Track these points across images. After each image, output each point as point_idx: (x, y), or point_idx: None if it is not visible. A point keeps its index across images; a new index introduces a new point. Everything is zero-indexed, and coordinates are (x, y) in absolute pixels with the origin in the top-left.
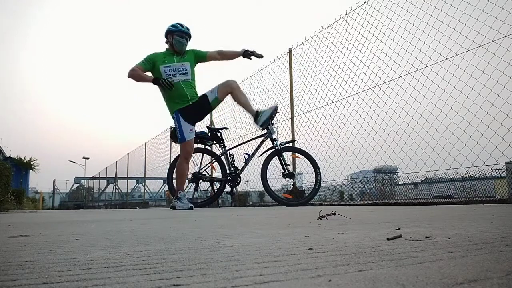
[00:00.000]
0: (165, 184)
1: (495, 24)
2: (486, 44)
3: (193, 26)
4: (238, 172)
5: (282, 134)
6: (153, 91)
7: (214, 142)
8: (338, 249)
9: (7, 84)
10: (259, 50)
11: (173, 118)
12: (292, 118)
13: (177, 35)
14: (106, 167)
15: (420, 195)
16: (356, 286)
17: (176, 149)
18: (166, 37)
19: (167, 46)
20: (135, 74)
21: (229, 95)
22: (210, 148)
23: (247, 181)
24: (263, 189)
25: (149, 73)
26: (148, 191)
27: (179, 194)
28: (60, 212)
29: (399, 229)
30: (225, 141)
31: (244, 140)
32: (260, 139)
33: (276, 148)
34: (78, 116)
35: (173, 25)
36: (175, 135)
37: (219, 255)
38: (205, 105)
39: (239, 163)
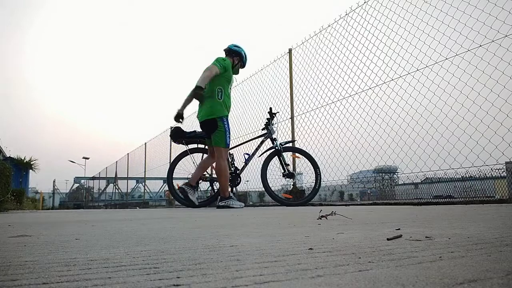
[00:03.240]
0: (165, 184)
1: (495, 24)
2: (486, 44)
3: (192, 26)
4: (238, 172)
5: (282, 134)
6: (153, 91)
7: None
8: (338, 249)
9: (7, 84)
10: (259, 50)
11: (221, 121)
12: (292, 118)
13: (244, 62)
14: (106, 167)
15: (420, 195)
16: (356, 286)
17: (176, 149)
18: (233, 54)
19: (225, 55)
20: (212, 75)
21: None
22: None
23: (247, 181)
24: (263, 189)
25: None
26: (148, 191)
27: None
28: (60, 212)
29: (399, 229)
30: None
31: (244, 140)
32: (260, 139)
33: (276, 148)
34: (78, 116)
35: (243, 51)
36: (176, 135)
37: (219, 255)
38: None
39: (239, 163)
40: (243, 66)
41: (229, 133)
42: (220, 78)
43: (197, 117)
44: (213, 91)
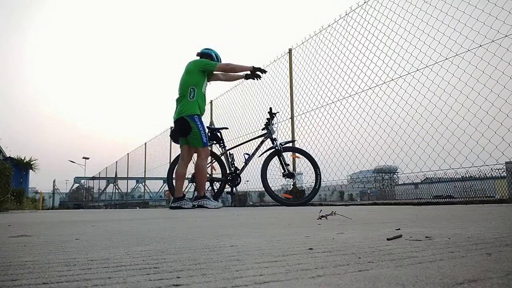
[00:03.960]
0: (165, 184)
1: (495, 24)
2: (486, 44)
3: (192, 26)
4: (238, 172)
5: (282, 134)
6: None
7: (214, 142)
8: (338, 249)
9: (7, 83)
10: (259, 50)
11: (192, 121)
12: (292, 118)
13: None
14: (106, 167)
15: (420, 195)
16: (356, 286)
17: (176, 149)
18: (205, 56)
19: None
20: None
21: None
22: (210, 148)
23: (247, 181)
24: (263, 189)
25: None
26: (148, 191)
27: (206, 193)
28: (60, 212)
29: (399, 229)
30: (225, 141)
31: (244, 140)
32: (260, 139)
33: (276, 148)
34: (78, 116)
35: (214, 52)
36: (176, 135)
37: (219, 255)
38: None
39: (239, 163)
40: (219, 62)
41: (204, 131)
42: (196, 77)
43: (173, 117)
44: (186, 91)
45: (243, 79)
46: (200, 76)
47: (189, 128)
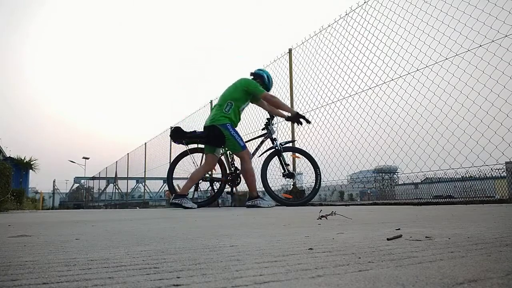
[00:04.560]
0: (165, 184)
1: (495, 24)
2: (486, 44)
3: (192, 26)
4: (238, 172)
5: (282, 134)
6: (153, 91)
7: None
8: (338, 249)
9: (7, 83)
10: (259, 50)
11: (225, 129)
12: None
13: (266, 84)
14: (106, 167)
15: (420, 195)
16: (356, 286)
17: (176, 149)
18: (256, 76)
19: (250, 77)
20: (280, 103)
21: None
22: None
23: None
24: (263, 189)
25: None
26: (148, 191)
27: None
28: (60, 212)
29: (399, 229)
30: None
31: (244, 140)
32: (260, 139)
33: (276, 148)
34: (78, 116)
35: (266, 73)
36: (176, 135)
37: (219, 255)
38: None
39: (239, 163)
40: (267, 87)
41: (238, 135)
42: (239, 95)
43: (205, 121)
44: (224, 102)
45: (284, 119)
46: (244, 95)
47: (222, 137)
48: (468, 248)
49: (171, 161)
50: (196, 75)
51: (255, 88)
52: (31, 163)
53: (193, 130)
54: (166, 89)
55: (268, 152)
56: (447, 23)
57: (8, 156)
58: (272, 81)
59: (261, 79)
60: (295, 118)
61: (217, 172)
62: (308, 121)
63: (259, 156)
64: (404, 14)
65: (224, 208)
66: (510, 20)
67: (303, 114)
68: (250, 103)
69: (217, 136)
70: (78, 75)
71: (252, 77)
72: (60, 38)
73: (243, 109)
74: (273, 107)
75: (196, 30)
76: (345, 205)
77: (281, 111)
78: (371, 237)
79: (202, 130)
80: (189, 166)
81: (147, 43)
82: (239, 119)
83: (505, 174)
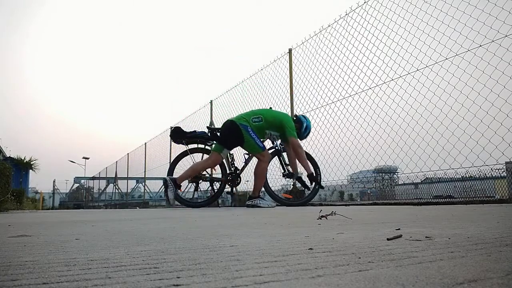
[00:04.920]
0: None
1: (495, 24)
2: (486, 44)
3: (192, 26)
4: (238, 172)
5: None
6: (153, 91)
7: (214, 142)
8: (338, 249)
9: (7, 84)
10: (259, 50)
11: (245, 131)
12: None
13: (302, 132)
14: (106, 167)
15: (420, 195)
16: (356, 286)
17: (176, 149)
18: (297, 120)
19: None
20: (302, 156)
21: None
22: (210, 148)
23: (247, 181)
24: (263, 189)
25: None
26: (148, 191)
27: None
28: (60, 212)
29: (399, 229)
30: None
31: None
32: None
33: (276, 148)
34: (78, 116)
35: (307, 123)
36: (176, 135)
37: (219, 255)
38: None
39: (239, 163)
40: (300, 135)
41: (258, 137)
42: (272, 124)
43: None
44: (256, 115)
45: (294, 178)
46: (276, 127)
47: (241, 137)
48: (468, 248)
49: (171, 161)
50: (196, 75)
51: (289, 128)
52: (31, 163)
53: (193, 130)
54: (166, 89)
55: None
56: (447, 23)
57: (8, 156)
58: (309, 132)
59: (300, 125)
60: (310, 178)
61: (217, 172)
62: (321, 186)
63: None
64: (404, 14)
65: (224, 208)
66: (510, 20)
67: (316, 178)
68: (278, 138)
69: (234, 132)
70: (78, 75)
71: (294, 118)
72: (60, 38)
73: (267, 137)
74: (294, 156)
75: (196, 30)
76: (345, 205)
77: (298, 164)
78: (371, 237)
79: (202, 130)
80: (189, 166)
81: (147, 43)
82: (259, 137)
83: (505, 174)
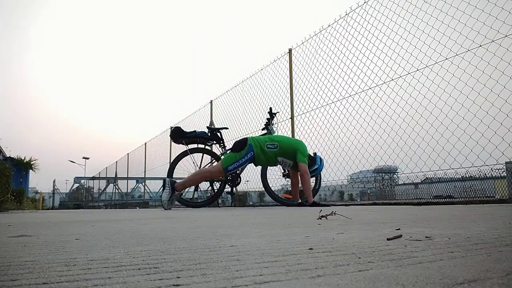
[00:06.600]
0: None
1: (495, 24)
2: (486, 44)
3: (192, 26)
4: (238, 172)
5: (282, 134)
6: (153, 91)
7: (214, 142)
8: (338, 249)
9: (7, 84)
10: (259, 50)
11: (248, 149)
12: (292, 118)
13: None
14: (106, 167)
15: (420, 195)
16: (356, 286)
17: (176, 149)
18: (311, 158)
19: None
20: (307, 182)
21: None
22: (210, 148)
23: (247, 181)
24: (263, 189)
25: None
26: (148, 191)
27: None
28: (60, 212)
29: (399, 229)
30: (225, 141)
31: None
32: None
33: None
34: (78, 116)
35: (319, 163)
36: (176, 135)
37: (219, 255)
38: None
39: None
40: (309, 165)
41: (241, 164)
42: (288, 150)
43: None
44: (274, 141)
45: (295, 204)
46: (290, 153)
47: (244, 146)
48: (468, 248)
49: (171, 161)
50: (196, 75)
51: (301, 153)
52: (31, 163)
53: (193, 130)
54: (166, 89)
55: None
56: (447, 23)
57: (8, 156)
58: (316, 174)
59: (312, 163)
60: (310, 205)
61: None
62: (318, 204)
63: None
64: (404, 14)
65: (224, 208)
66: (510, 20)
67: (318, 204)
68: (290, 164)
69: (240, 143)
70: (78, 75)
71: (312, 155)
72: (61, 38)
73: (279, 163)
74: (298, 183)
75: (196, 30)
76: (345, 205)
77: (300, 189)
78: (371, 237)
79: (202, 130)
80: (189, 166)
81: (147, 43)
82: (267, 161)
83: (505, 174)
